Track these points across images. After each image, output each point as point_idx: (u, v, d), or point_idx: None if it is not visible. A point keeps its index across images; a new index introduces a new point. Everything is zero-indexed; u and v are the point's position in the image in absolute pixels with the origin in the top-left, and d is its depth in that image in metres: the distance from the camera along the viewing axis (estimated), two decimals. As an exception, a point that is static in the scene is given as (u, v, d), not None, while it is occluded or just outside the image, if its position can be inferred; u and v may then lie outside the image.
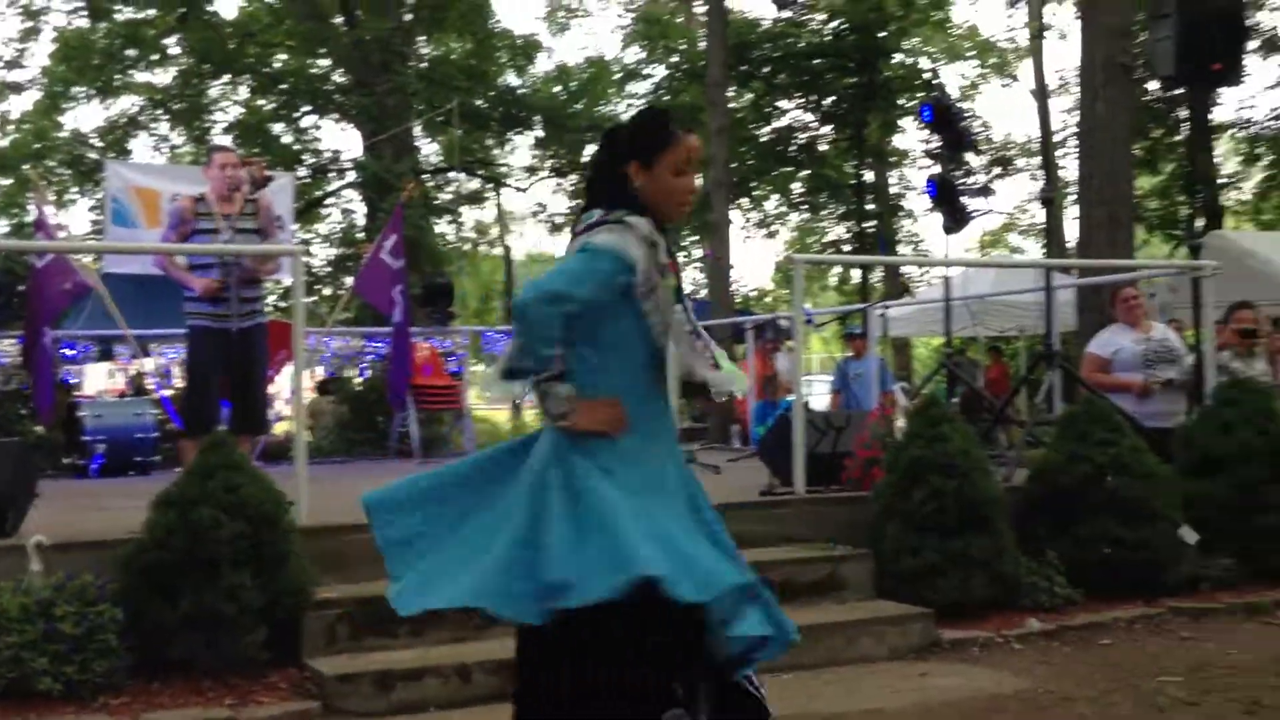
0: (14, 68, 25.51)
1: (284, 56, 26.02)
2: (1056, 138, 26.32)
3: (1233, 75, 8.79)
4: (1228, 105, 25.78)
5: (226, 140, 24.83)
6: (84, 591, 4.91)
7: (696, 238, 28.35)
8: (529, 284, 3.20)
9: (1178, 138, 23.56)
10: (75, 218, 24.37)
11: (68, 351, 12.25)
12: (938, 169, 11.29)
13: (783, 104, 25.40)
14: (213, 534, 5.05)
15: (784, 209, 29.16)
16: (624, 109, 30.19)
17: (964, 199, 10.86)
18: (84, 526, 5.94)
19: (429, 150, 28.49)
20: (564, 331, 3.14)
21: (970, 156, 25.11)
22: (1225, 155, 28.07)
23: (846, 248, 26.55)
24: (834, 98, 24.47)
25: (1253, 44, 24.10)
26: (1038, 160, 27.95)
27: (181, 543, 5.05)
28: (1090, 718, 4.75)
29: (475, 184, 30.12)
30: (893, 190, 27.65)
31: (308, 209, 25.95)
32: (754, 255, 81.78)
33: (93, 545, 5.39)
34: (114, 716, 4.63)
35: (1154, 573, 6.65)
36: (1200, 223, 17.40)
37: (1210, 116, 23.89)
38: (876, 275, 25.27)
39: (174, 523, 5.11)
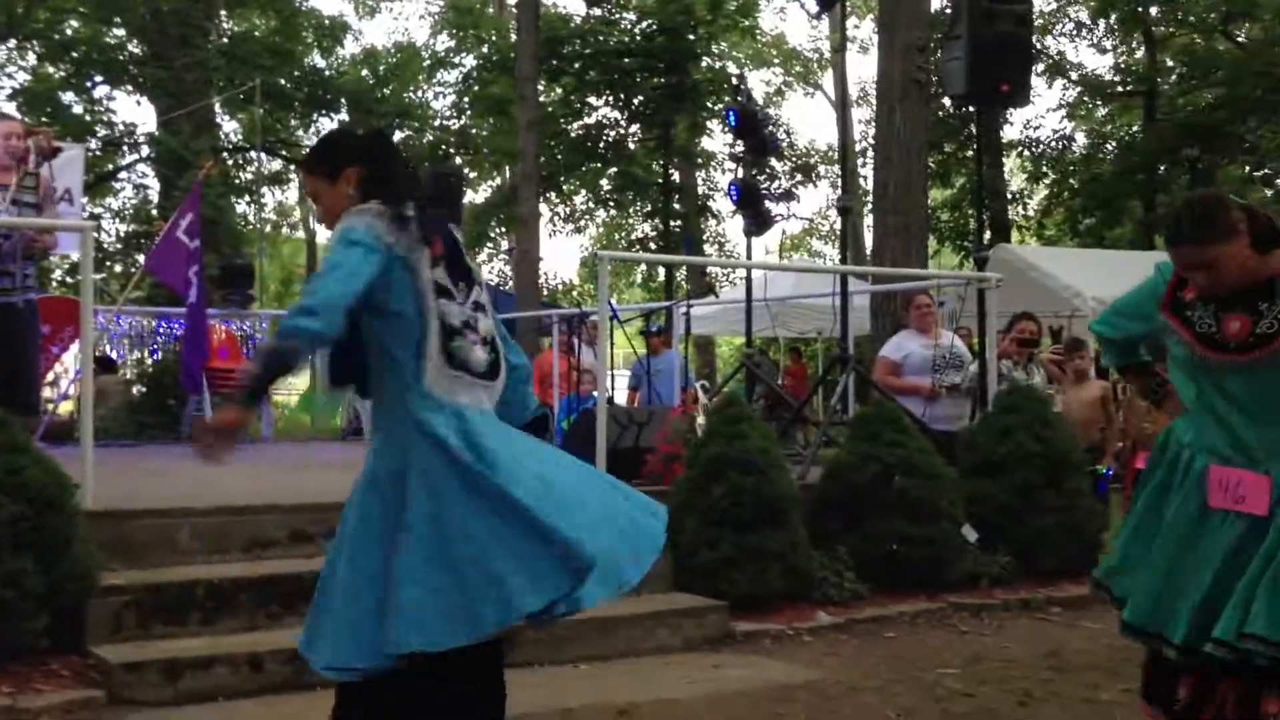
0: None
1: (76, 24, 24.90)
2: (857, 147, 27.18)
3: (1020, 96, 9.24)
4: (1016, 124, 27.10)
5: (12, 109, 23.63)
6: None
7: (505, 230, 28.32)
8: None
9: (969, 153, 24.59)
10: None
11: None
12: (741, 173, 11.55)
13: (593, 101, 25.52)
14: (-9, 516, 4.83)
15: (592, 205, 29.33)
16: (433, 96, 29.95)
17: (767, 203, 11.14)
18: None
19: (230, 128, 27.69)
20: None
21: (774, 162, 25.79)
22: (1013, 172, 29.47)
23: (653, 245, 26.87)
24: (642, 97, 24.72)
25: (1039, 68, 25.37)
26: (839, 168, 28.80)
27: (-44, 525, 4.82)
28: (874, 707, 4.94)
29: (278, 165, 29.40)
30: (700, 191, 28.10)
31: (98, 182, 24.88)
32: (561, 250, 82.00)
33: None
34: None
35: (937, 569, 6.95)
36: (987, 236, 18.21)
37: (1000, 134, 25.06)
38: (682, 273, 25.64)
39: (-52, 505, 4.87)
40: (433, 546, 3.05)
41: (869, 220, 20.57)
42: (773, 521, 6.42)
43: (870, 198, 17.38)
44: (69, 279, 20.10)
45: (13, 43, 24.51)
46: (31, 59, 25.25)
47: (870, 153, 24.23)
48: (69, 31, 24.64)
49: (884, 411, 7.39)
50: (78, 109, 24.91)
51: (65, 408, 12.57)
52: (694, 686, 5.23)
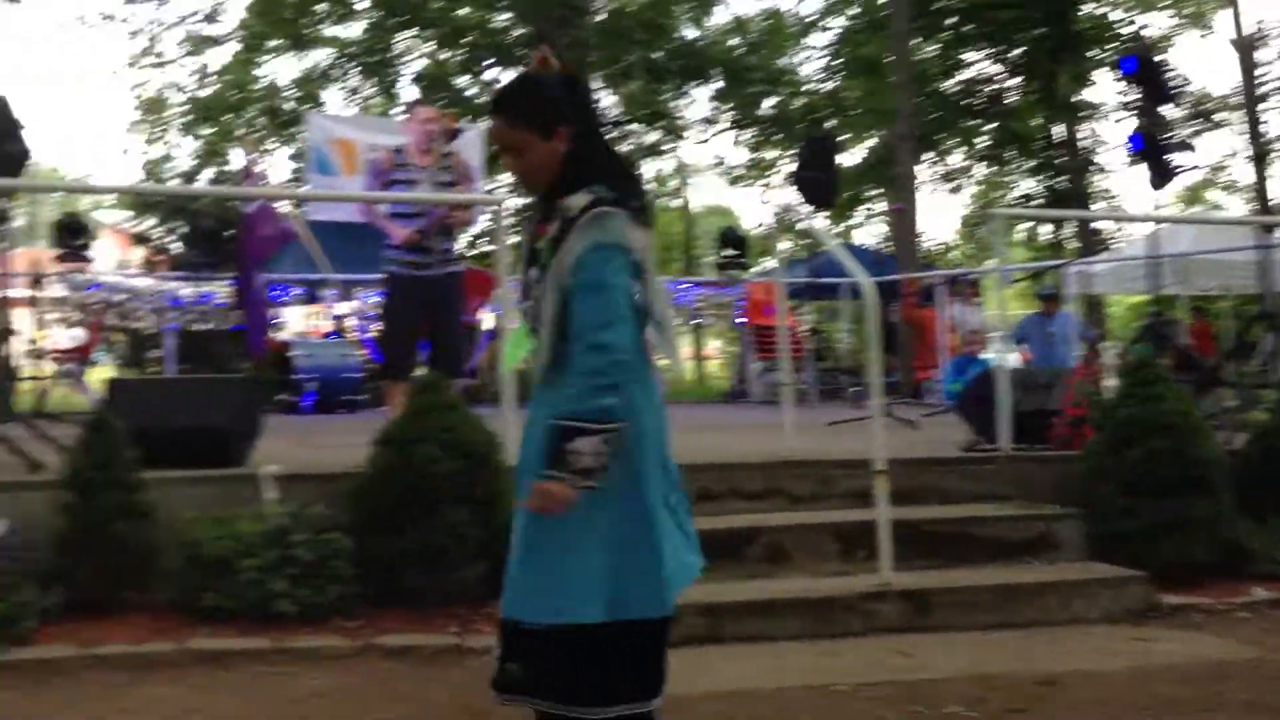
0: (212, 21, 26.40)
1: (466, 10, 26.37)
2: (1257, 92, 25.14)
3: None
4: None
5: (414, 93, 25.36)
6: (314, 521, 5.11)
7: (880, 191, 27.94)
8: None
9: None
10: (275, 167, 25.17)
11: (279, 290, 12.72)
12: (1135, 123, 10.88)
13: (969, 55, 24.75)
14: (432, 471, 5.20)
15: (969, 163, 28.50)
16: (803, 61, 29.87)
17: (1169, 154, 10.46)
18: (308, 460, 6.18)
19: (609, 103, 28.60)
20: None
21: (1169, 110, 24.22)
22: None
23: (1035, 203, 25.84)
24: (1022, 49, 23.76)
25: None
26: (1238, 114, 26.77)
27: (403, 479, 5.22)
28: (1324, 689, 4.57)
29: (654, 136, 30.17)
30: (1083, 144, 26.76)
31: (493, 160, 26.30)
32: (936, 210, 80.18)
33: (319, 478, 5.61)
34: (347, 638, 4.82)
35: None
36: None
37: None
38: (1068, 232, 24.53)
39: (395, 460, 5.28)
40: None
41: (1276, 168, 19.03)
42: (1196, 488, 6.04)
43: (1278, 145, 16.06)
44: (469, 252, 21.36)
45: (413, 31, 26.25)
46: (429, 46, 26.96)
47: (1272, 98, 22.47)
48: (460, 18, 26.15)
49: (1318, 373, 6.82)
50: (471, 91, 26.41)
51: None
52: (1118, 659, 4.99)
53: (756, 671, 4.73)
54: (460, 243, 7.90)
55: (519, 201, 25.81)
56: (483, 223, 14.90)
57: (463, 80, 26.68)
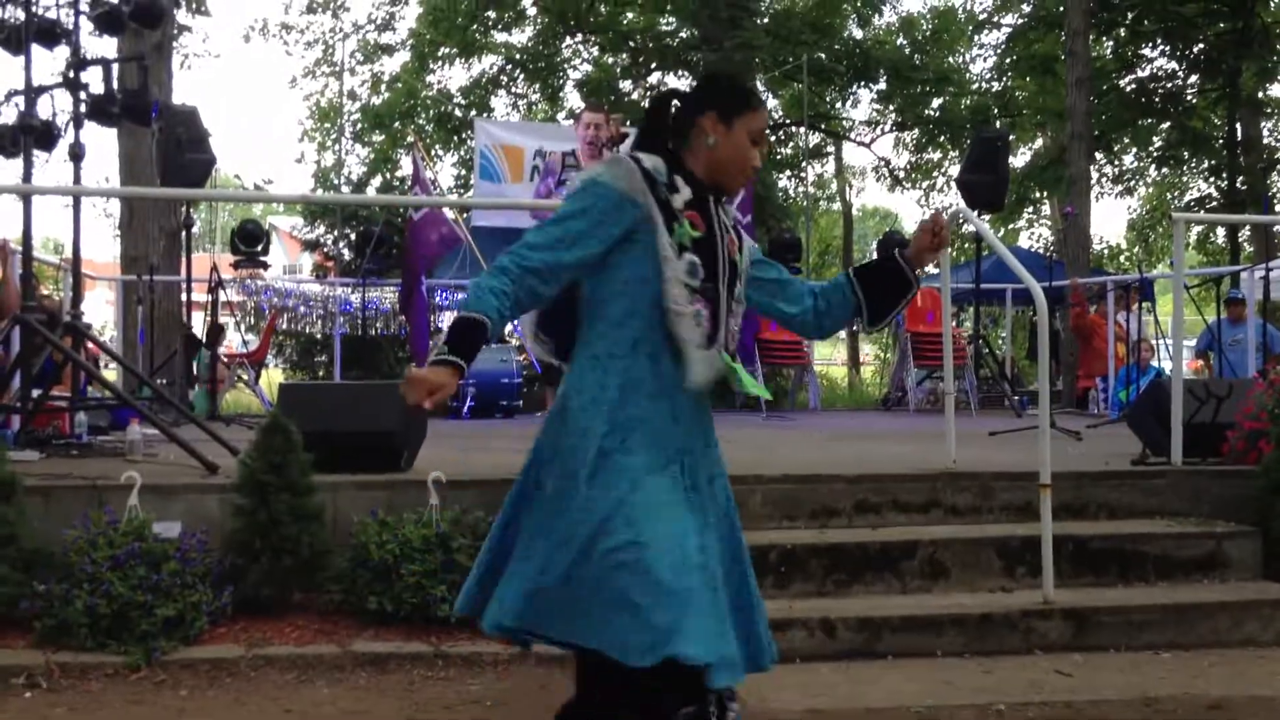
0: (385, 30, 27.16)
1: (632, 15, 26.60)
2: None
3: None
4: None
5: (577, 98, 25.68)
6: (477, 526, 5.23)
7: (1046, 193, 27.28)
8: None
9: None
10: (443, 173, 25.79)
11: (443, 296, 13.02)
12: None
13: (1147, 52, 23.97)
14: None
15: (1143, 163, 27.61)
16: (973, 59, 29.35)
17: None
18: (470, 465, 6.31)
19: (773, 105, 28.52)
20: None
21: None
22: None
23: (1213, 204, 24.90)
24: (1203, 44, 22.91)
25: None
26: None
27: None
28: None
29: (816, 138, 30.00)
30: (1266, 143, 25.69)
31: (654, 161, 26.47)
32: (1104, 212, 77.89)
33: (480, 483, 5.72)
34: (506, 645, 4.91)
35: None
36: None
37: None
38: (1245, 234, 23.59)
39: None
40: None
41: None
42: (1382, 508, 5.77)
43: None
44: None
45: (579, 36, 26.59)
46: (595, 51, 27.28)
47: None
48: (625, 23, 26.39)
49: None
50: (635, 95, 26.62)
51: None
52: (1294, 686, 4.81)
53: (915, 689, 4.68)
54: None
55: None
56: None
57: (626, 84, 26.92)
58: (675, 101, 3.15)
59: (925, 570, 5.66)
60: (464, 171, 23.42)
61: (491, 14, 25.90)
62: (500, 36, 26.82)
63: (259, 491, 5.08)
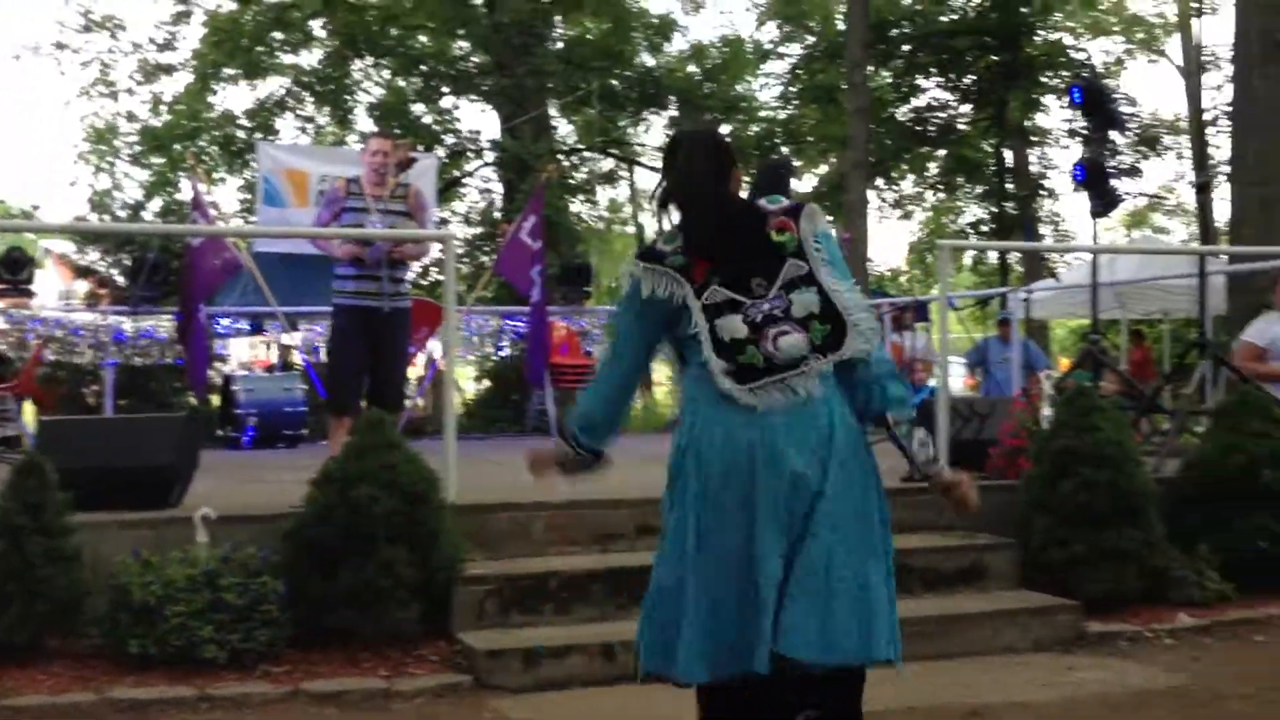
0: (166, 50, 26.27)
1: (424, 39, 26.39)
2: (1205, 116, 25.49)
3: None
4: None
5: (369, 122, 25.34)
6: (247, 563, 5.10)
7: (831, 219, 28.11)
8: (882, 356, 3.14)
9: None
10: (225, 196, 25.08)
11: (223, 322, 12.66)
12: (1082, 149, 11.02)
13: (922, 83, 25.00)
14: (370, 510, 5.20)
15: (920, 189, 28.74)
16: (759, 88, 30.08)
17: (1113, 182, 10.60)
18: (245, 499, 6.16)
19: (565, 130, 28.68)
20: None
21: (1117, 136, 24.52)
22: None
23: (985, 229, 26.07)
24: (974, 76, 24.03)
25: None
26: (1184, 139, 27.15)
27: (341, 518, 5.22)
28: (1247, 716, 4.64)
29: (609, 164, 30.27)
30: (1033, 169, 27.06)
31: (447, 189, 26.30)
32: (885, 236, 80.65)
33: (255, 518, 5.60)
34: (274, 684, 4.81)
35: (1314, 569, 6.45)
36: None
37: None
38: (1015, 256, 24.78)
39: (334, 499, 5.28)
40: None
41: (1219, 192, 19.31)
42: (1128, 518, 6.12)
43: (1225, 169, 16.30)
44: (420, 281, 21.34)
45: (369, 59, 26.24)
46: (385, 74, 26.95)
47: (1221, 121, 22.80)
48: (418, 47, 26.17)
49: (1249, 400, 6.91)
50: (427, 119, 26.41)
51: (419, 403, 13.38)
52: (1047, 690, 5.06)
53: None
54: (411, 274, 7.90)
55: (468, 234, 25.76)
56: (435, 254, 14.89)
57: (419, 109, 26.69)
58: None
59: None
60: (249, 195, 22.85)
61: (278, 35, 25.34)
62: (288, 58, 26.26)
63: (12, 534, 4.85)
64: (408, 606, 5.19)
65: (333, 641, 5.17)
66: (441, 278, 9.73)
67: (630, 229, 38.06)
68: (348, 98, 26.52)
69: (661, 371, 31.58)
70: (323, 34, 25.94)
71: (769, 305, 3.05)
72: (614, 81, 25.85)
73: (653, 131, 32.75)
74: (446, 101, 26.51)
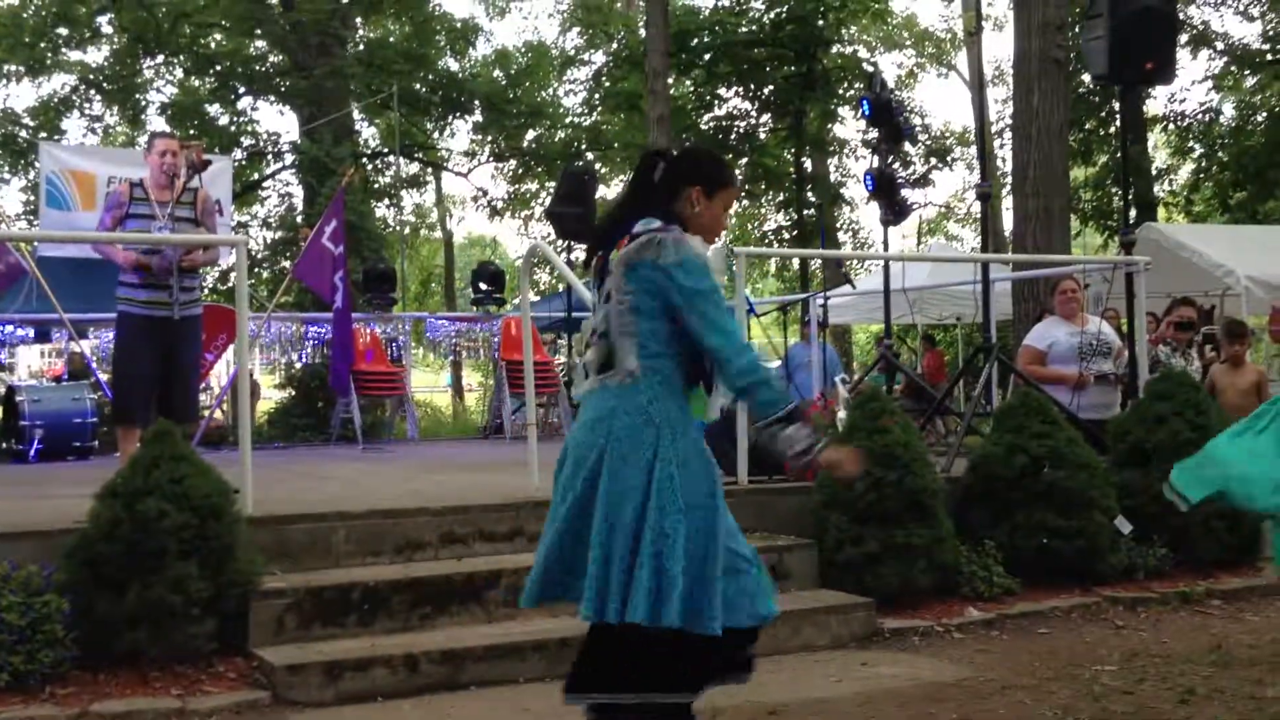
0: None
1: (219, 37, 25.68)
2: (993, 128, 26.63)
3: (1165, 74, 8.92)
4: (1160, 98, 26.28)
5: (161, 122, 24.52)
6: (29, 581, 4.88)
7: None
8: (739, 344, 3.63)
9: (1112, 129, 23.93)
10: (7, 198, 23.97)
11: (6, 328, 12.09)
12: (876, 160, 11.40)
13: (723, 92, 25.45)
14: (158, 525, 5.03)
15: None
16: (564, 94, 30.19)
17: (903, 191, 10.98)
18: (28, 515, 5.89)
19: (368, 134, 28.28)
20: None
21: (908, 147, 25.39)
22: (1157, 147, 28.57)
23: (786, 236, 26.69)
24: (773, 87, 24.57)
25: (1183, 39, 24.53)
26: (974, 150, 28.27)
27: (127, 534, 5.03)
28: (1030, 705, 4.86)
29: (414, 168, 29.96)
30: (833, 179, 27.85)
31: (245, 192, 25.65)
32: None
33: (37, 534, 5.36)
34: (61, 707, 4.60)
35: (1090, 562, 6.80)
36: (1133, 215, 17.71)
37: (1143, 109, 24.32)
38: (816, 263, 25.46)
39: (119, 514, 5.08)
40: None
41: (1007, 202, 20.18)
42: (917, 516, 6.35)
43: (1009, 180, 17.05)
44: (219, 286, 20.73)
45: (160, 58, 25.38)
46: (178, 73, 26.12)
47: (1007, 133, 23.81)
48: (213, 45, 25.43)
49: (1030, 401, 7.24)
50: (224, 120, 25.69)
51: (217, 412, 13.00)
52: (843, 685, 5.20)
53: (497, 717, 4.74)
54: (207, 279, 7.68)
55: (268, 238, 25.12)
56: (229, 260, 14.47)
57: (214, 109, 25.94)
58: (662, 164, 3.78)
59: (509, 598, 5.72)
60: (32, 198, 21.86)
61: (63, 30, 24.31)
62: (74, 54, 25.21)
63: None
64: (201, 623, 5.04)
65: (123, 661, 4.98)
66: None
67: (437, 234, 37.76)
68: (139, 97, 25.64)
69: (474, 378, 31.34)
70: (110, 30, 24.98)
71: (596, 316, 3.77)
72: (417, 85, 25.59)
73: (458, 137, 32.51)
74: (243, 102, 25.85)
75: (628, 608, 3.45)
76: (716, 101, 25.55)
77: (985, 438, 7.41)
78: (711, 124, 25.50)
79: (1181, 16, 23.52)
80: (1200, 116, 26.46)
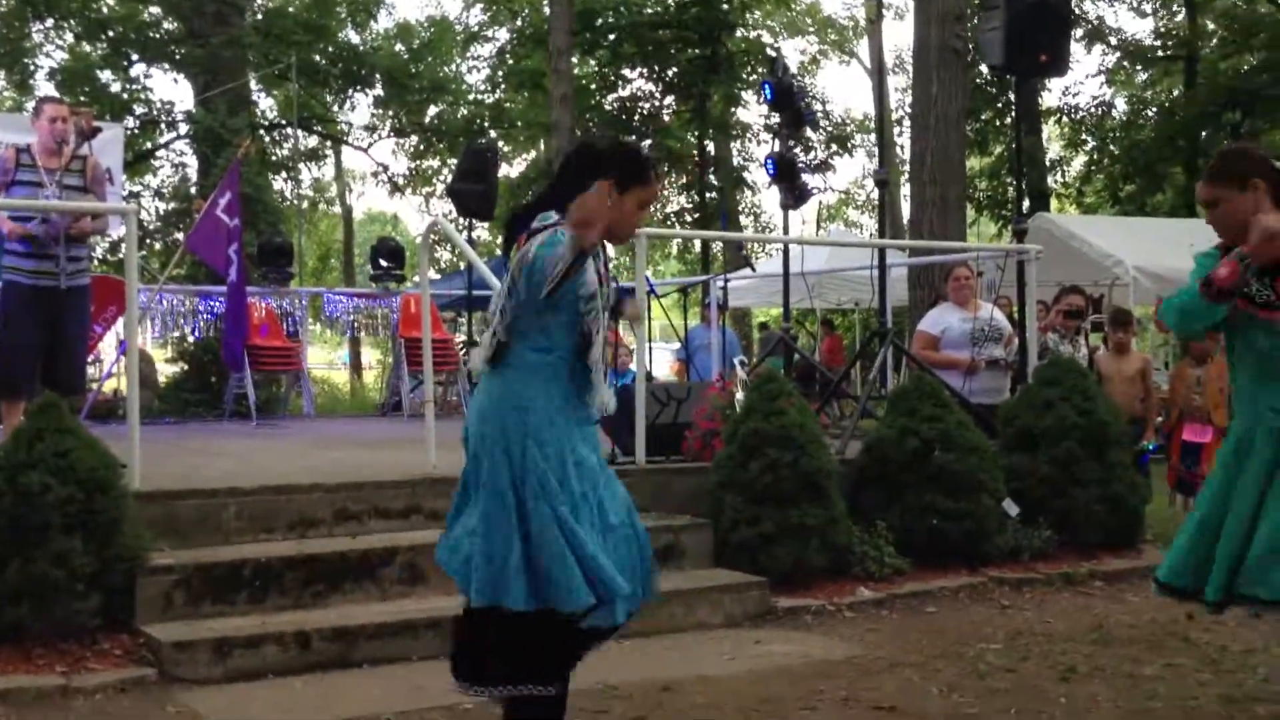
0: None
1: (112, 2, 25.03)
2: (894, 116, 26.97)
3: (1059, 66, 9.10)
4: (1054, 91, 26.86)
5: (50, 87, 23.83)
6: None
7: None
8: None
9: (1007, 120, 24.38)
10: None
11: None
12: (777, 145, 11.48)
13: (627, 73, 25.45)
14: (41, 499, 4.92)
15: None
16: (467, 70, 29.94)
17: (803, 176, 11.08)
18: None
19: (266, 105, 27.78)
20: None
21: (810, 133, 25.62)
22: (1051, 139, 29.19)
23: (688, 219, 26.79)
24: (677, 69, 24.63)
25: (1077, 33, 25.06)
26: (874, 137, 28.61)
27: (9, 508, 4.92)
28: (916, 682, 4.96)
29: (313, 141, 29.52)
30: (735, 163, 27.99)
31: (137, 161, 25.07)
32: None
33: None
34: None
35: (978, 543, 6.94)
36: (1026, 204, 18.07)
37: (1038, 101, 24.80)
38: (718, 246, 25.59)
39: (1, 487, 4.96)
40: None
41: (906, 190, 20.46)
42: (812, 497, 6.43)
43: (907, 168, 17.29)
44: (110, 258, 20.23)
45: (50, 21, 24.67)
46: (69, 38, 25.42)
47: (907, 122, 24.14)
48: (105, 9, 24.78)
49: (922, 385, 7.36)
50: (115, 87, 25.06)
51: (109, 386, 12.72)
52: (735, 663, 5.26)
53: (387, 695, 4.71)
54: (97, 250, 7.51)
55: (160, 209, 24.55)
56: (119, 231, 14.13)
57: (106, 76, 25.28)
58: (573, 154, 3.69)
59: (404, 576, 5.71)
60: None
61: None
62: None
63: None
64: (86, 599, 4.93)
65: (5, 638, 4.86)
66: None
67: (336, 208, 37.25)
68: (27, 61, 24.89)
69: (372, 355, 30.96)
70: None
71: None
72: (316, 57, 25.20)
73: (359, 110, 32.09)
74: (136, 70, 25.24)
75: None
76: (620, 82, 25.55)
77: (880, 421, 7.51)
78: (615, 105, 25.48)
79: (1076, 11, 24.07)
80: (1093, 110, 27.10)
